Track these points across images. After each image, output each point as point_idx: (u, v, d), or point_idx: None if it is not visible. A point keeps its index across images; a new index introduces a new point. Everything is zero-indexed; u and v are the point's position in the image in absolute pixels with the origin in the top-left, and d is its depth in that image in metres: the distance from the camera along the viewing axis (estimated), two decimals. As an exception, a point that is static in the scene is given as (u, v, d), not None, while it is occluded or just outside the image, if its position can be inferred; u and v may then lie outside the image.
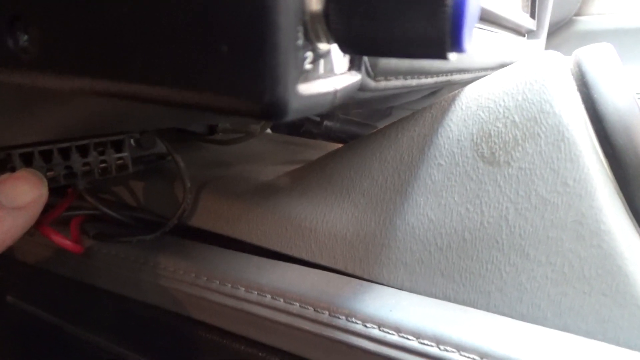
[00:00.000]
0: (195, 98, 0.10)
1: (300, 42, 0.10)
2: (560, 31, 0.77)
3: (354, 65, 0.14)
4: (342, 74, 0.13)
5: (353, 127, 0.37)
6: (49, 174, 0.27)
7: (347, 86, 0.13)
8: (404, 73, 0.17)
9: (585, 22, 0.77)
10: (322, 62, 0.12)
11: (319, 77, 0.12)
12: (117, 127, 0.26)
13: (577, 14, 0.77)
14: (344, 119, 0.37)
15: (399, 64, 0.16)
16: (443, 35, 0.10)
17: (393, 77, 0.17)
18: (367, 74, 0.15)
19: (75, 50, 0.11)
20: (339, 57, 0.13)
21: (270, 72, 0.09)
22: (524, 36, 0.41)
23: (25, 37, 0.12)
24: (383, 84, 0.16)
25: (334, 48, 0.12)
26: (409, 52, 0.10)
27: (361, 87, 0.15)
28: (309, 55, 0.11)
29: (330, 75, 0.12)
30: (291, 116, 0.10)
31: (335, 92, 0.12)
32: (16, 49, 0.12)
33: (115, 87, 0.11)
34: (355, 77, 0.13)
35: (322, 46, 0.11)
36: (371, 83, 0.16)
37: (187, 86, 0.10)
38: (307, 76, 0.11)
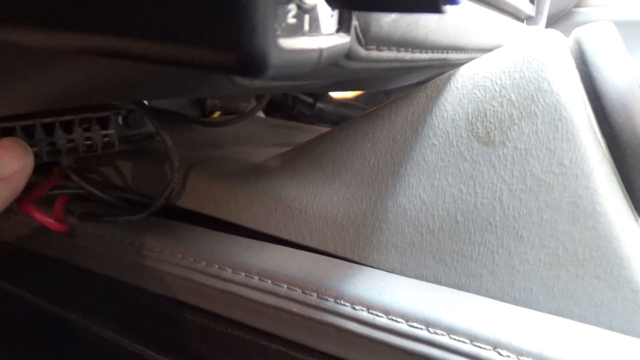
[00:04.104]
0: (167, 51, 0.10)
1: (282, -10, 0.10)
2: (559, 22, 0.77)
3: (342, 27, 0.13)
4: (329, 34, 0.12)
5: (346, 109, 0.36)
6: (32, 149, 0.26)
7: (334, 47, 0.12)
8: (397, 44, 0.17)
9: (585, 14, 0.76)
10: (307, 17, 0.11)
11: (303, 34, 0.11)
12: (98, 97, 0.25)
13: (577, 5, 0.77)
14: (337, 101, 0.36)
15: (391, 32, 0.16)
16: (435, -17, 0.09)
17: (385, 47, 0.16)
18: (358, 40, 0.14)
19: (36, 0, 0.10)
20: (326, 16, 0.12)
21: (248, 18, 0.09)
22: (523, 22, 0.40)
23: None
24: (374, 53, 0.16)
25: (321, 4, 0.11)
26: (400, 3, 0.10)
27: (350, 55, 0.14)
28: (293, 8, 0.10)
29: (317, 34, 0.12)
30: (271, 72, 0.10)
31: (320, 51, 0.11)
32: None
33: (78, 40, 0.10)
34: (343, 39, 0.13)
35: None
36: (362, 51, 0.15)
37: (157, 37, 0.10)
38: (289, 31, 0.10)
